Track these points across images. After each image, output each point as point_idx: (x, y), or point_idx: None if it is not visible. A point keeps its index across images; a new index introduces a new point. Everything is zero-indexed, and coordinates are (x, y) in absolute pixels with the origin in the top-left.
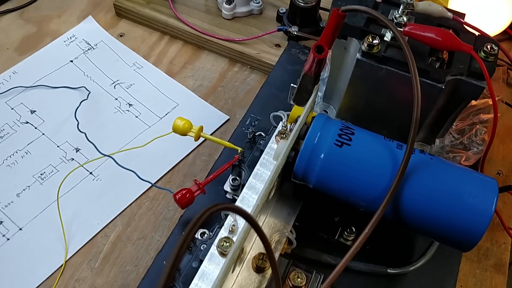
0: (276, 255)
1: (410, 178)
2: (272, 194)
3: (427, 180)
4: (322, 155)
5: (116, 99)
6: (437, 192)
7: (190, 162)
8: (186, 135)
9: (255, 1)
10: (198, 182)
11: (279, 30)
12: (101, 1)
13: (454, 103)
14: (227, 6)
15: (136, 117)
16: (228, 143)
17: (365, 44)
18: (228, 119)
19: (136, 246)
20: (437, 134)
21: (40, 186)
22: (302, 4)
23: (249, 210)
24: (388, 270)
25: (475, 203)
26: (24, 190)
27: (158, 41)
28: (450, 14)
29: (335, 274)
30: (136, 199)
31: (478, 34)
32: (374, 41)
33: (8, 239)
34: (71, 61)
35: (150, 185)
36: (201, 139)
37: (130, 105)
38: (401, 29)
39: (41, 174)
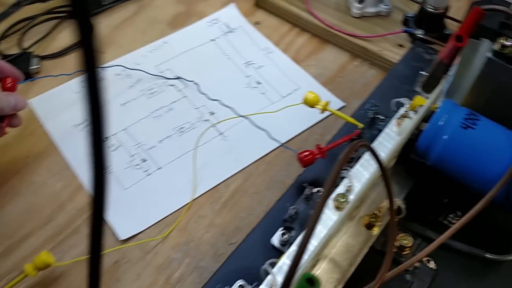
0: (385, 220)
1: None
2: (391, 164)
3: None
4: (447, 135)
5: (247, 76)
6: None
7: (303, 139)
8: (313, 107)
9: (384, 3)
10: (320, 146)
11: (404, 31)
12: None
13: None
14: (358, 5)
15: (262, 93)
16: (351, 118)
17: (498, 44)
18: (344, 106)
19: (251, 199)
20: None
21: (178, 137)
22: (432, 10)
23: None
24: (486, 255)
25: None
26: (165, 138)
27: (289, 31)
28: None
29: (434, 246)
30: (255, 161)
31: None
32: (507, 42)
33: (149, 174)
34: (212, 40)
35: (272, 147)
36: (324, 114)
37: (258, 83)
38: None
39: (180, 128)
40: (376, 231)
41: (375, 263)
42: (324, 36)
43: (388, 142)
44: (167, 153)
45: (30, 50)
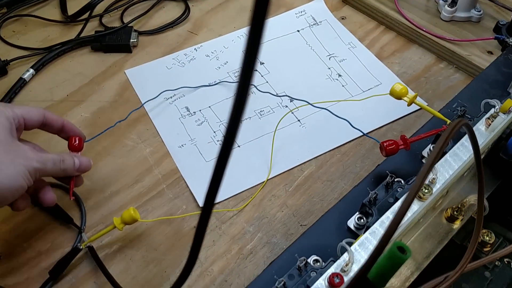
0: (468, 215)
1: None
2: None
3: None
4: None
5: (329, 68)
6: None
7: (382, 133)
8: (400, 99)
9: (476, 9)
10: (405, 137)
11: (496, 38)
12: None
13: None
14: (449, 8)
15: (343, 86)
16: (439, 113)
17: None
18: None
19: (324, 185)
20: None
21: (258, 120)
22: None
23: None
24: None
25: None
26: (246, 119)
27: (374, 28)
28: None
29: None
30: (330, 150)
31: None
32: None
33: None
34: (298, 31)
35: (349, 138)
36: (406, 111)
37: (339, 75)
38: None
39: (260, 111)
40: (457, 224)
41: (454, 256)
42: (411, 36)
43: (478, 139)
44: (246, 133)
45: (130, 25)
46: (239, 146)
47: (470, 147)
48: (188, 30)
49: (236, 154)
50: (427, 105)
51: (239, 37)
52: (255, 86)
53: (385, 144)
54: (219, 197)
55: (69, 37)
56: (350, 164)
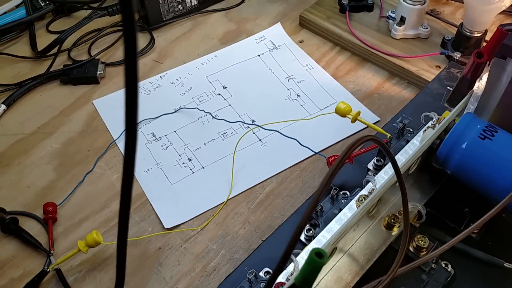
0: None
1: None
2: (412, 169)
3: None
4: (465, 144)
5: (288, 89)
6: None
7: (337, 149)
8: (345, 116)
9: (423, 26)
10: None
11: (441, 53)
12: (289, 12)
13: None
14: (398, 27)
15: (301, 105)
16: (379, 128)
17: None
18: (378, 120)
19: (284, 201)
20: None
21: (221, 141)
22: (468, 34)
23: (386, 176)
24: (505, 264)
25: None
26: (210, 141)
27: (330, 50)
28: None
29: (447, 247)
30: (290, 167)
31: None
32: None
33: (193, 173)
34: (259, 55)
35: (307, 155)
36: (359, 127)
37: (298, 95)
38: None
39: (223, 133)
40: (395, 231)
41: (392, 261)
42: (364, 55)
43: (410, 149)
44: (210, 155)
45: (97, 57)
46: (203, 168)
47: (402, 157)
48: (153, 59)
49: (200, 175)
50: (375, 124)
51: (203, 63)
52: (218, 109)
53: (330, 159)
54: (183, 218)
55: (39, 72)
56: (309, 179)
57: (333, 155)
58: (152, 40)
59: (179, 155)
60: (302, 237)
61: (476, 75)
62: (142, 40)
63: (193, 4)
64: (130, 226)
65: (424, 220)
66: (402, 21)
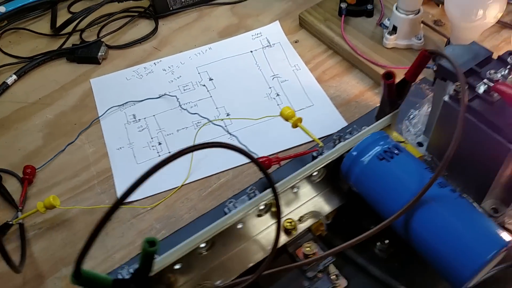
0: (304, 225)
1: (425, 204)
2: (318, 178)
3: (438, 212)
4: (364, 161)
5: (270, 87)
6: (442, 226)
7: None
8: (287, 121)
9: (417, 37)
10: (278, 156)
11: (427, 67)
12: (293, 11)
13: None
14: (389, 36)
15: (278, 105)
16: (314, 136)
17: (453, 89)
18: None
19: (234, 193)
20: None
21: (193, 130)
22: None
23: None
24: (400, 287)
25: (470, 248)
26: (182, 129)
27: (322, 52)
28: None
29: (328, 253)
30: (249, 162)
31: None
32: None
33: (159, 156)
34: (251, 51)
35: (270, 152)
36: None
37: (278, 95)
38: (492, 84)
39: (198, 122)
40: (295, 234)
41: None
42: (353, 61)
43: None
44: (180, 141)
45: (103, 40)
46: (169, 152)
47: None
48: (153, 46)
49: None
50: (329, 137)
51: (196, 54)
52: (199, 100)
53: (259, 160)
54: (138, 195)
55: (53, 48)
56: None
57: (263, 157)
58: (156, 27)
59: (151, 138)
60: None
61: (390, 95)
62: (146, 27)
63: None
64: (91, 196)
65: (325, 231)
66: (394, 30)
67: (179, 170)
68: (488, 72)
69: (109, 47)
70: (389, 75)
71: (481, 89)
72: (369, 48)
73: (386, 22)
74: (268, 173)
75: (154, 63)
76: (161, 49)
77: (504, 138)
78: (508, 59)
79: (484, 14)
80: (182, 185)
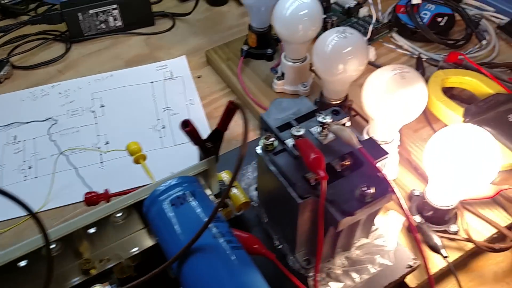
0: (103, 267)
1: (193, 255)
2: (122, 220)
3: (203, 263)
4: (159, 205)
5: (158, 119)
6: (205, 277)
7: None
8: (131, 156)
9: (303, 85)
10: (107, 192)
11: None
12: (204, 48)
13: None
14: (277, 81)
15: (160, 137)
16: (152, 175)
17: (263, 141)
18: None
19: None
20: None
21: (69, 155)
22: (327, 101)
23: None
24: None
25: None
26: (56, 154)
27: (220, 90)
28: (357, 145)
29: None
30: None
31: None
32: (268, 141)
33: (25, 180)
34: (152, 82)
35: (135, 185)
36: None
37: (163, 127)
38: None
39: (74, 149)
40: (90, 275)
41: None
42: (244, 101)
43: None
44: (50, 167)
45: (12, 59)
46: (36, 177)
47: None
48: (57, 69)
49: (29, 183)
50: None
51: (96, 80)
52: (82, 126)
53: (87, 195)
54: None
55: None
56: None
57: (92, 192)
58: (67, 51)
59: (24, 161)
60: None
61: (196, 142)
62: (58, 50)
63: (117, 25)
64: None
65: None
66: (282, 76)
67: (38, 196)
68: (294, 128)
69: (15, 67)
70: (185, 124)
71: (290, 143)
72: (260, 90)
73: (280, 67)
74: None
75: (52, 86)
76: (64, 72)
77: (295, 192)
78: (319, 118)
79: (345, 68)
80: (37, 212)
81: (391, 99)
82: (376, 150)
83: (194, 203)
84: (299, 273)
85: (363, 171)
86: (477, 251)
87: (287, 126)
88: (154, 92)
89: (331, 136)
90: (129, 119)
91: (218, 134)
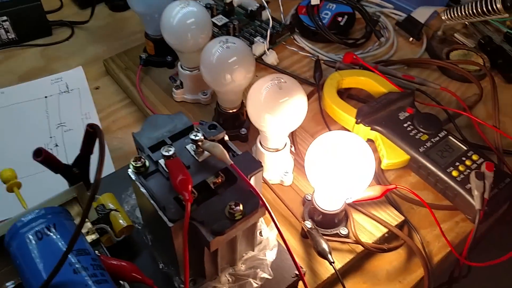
0: None
1: None
2: None
3: None
4: (17, 239)
5: (51, 137)
6: None
7: None
8: (4, 184)
9: (203, 93)
10: None
11: (200, 123)
12: (104, 56)
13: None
14: (176, 90)
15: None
16: (25, 204)
17: (132, 163)
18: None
19: None
20: None
21: None
22: (224, 111)
23: None
24: None
25: None
26: None
27: (120, 101)
28: (228, 161)
29: None
30: None
31: None
32: (137, 163)
33: None
34: (46, 97)
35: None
36: None
37: (56, 145)
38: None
39: None
40: None
41: None
42: (144, 112)
43: None
44: None
45: None
46: None
47: None
48: None
49: None
50: None
51: None
52: None
53: None
54: None
55: None
56: None
57: None
58: None
59: None
60: None
61: (55, 170)
62: None
63: (10, 37)
64: None
65: None
66: (180, 85)
67: None
68: (164, 148)
69: None
70: (38, 153)
71: (162, 163)
72: (160, 100)
73: (179, 76)
74: None
75: None
76: None
77: (165, 216)
78: (191, 136)
79: (232, 78)
80: None
81: (270, 110)
82: (251, 163)
83: (51, 238)
84: None
85: (236, 187)
86: (370, 252)
87: (162, 144)
88: (48, 107)
89: (207, 152)
90: (20, 138)
91: (83, 158)
